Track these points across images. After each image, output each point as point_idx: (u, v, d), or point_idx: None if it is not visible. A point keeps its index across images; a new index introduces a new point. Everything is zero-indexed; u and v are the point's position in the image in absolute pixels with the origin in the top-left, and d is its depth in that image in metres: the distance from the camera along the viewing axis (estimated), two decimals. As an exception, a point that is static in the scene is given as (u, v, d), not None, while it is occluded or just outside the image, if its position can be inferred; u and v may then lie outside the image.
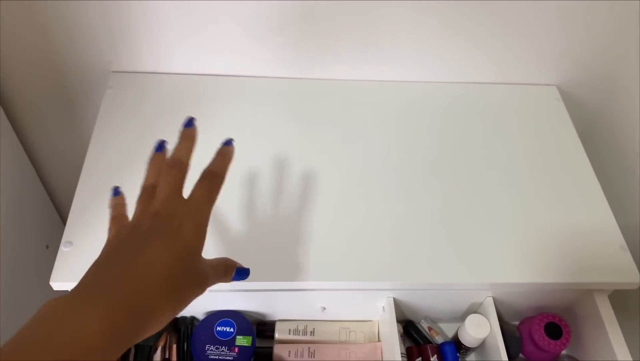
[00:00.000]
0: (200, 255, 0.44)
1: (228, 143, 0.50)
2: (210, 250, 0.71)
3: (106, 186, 0.77)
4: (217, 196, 0.46)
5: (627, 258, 0.77)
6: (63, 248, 0.72)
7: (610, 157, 0.98)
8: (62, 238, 0.73)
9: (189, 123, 0.50)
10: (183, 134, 0.49)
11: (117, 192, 0.54)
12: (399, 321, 0.83)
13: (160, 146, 0.50)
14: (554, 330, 0.79)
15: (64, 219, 1.12)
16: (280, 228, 0.76)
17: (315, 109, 0.92)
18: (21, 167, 1.00)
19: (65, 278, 0.70)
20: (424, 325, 0.82)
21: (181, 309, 0.42)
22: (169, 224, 0.43)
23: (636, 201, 0.90)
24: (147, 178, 0.49)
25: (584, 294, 0.79)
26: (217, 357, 0.74)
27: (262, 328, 0.81)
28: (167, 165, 0.47)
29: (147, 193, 0.47)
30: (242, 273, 0.49)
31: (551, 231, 0.79)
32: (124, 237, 0.43)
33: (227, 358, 0.74)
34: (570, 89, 1.00)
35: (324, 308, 0.79)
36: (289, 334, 0.81)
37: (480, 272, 0.74)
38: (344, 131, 0.89)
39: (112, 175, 0.79)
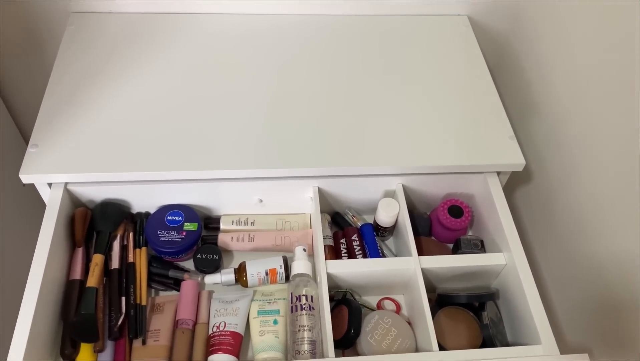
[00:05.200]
0: None
1: None
2: (168, 143, 0.85)
3: (68, 97, 0.91)
4: None
5: (515, 145, 0.91)
6: (30, 150, 0.84)
7: (513, 78, 1.12)
8: (29, 142, 0.85)
9: None
10: None
11: None
12: (327, 212, 0.97)
13: None
14: (457, 211, 0.93)
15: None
16: (224, 123, 0.89)
17: (262, 41, 1.05)
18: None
19: (31, 171, 0.82)
20: (349, 213, 0.96)
21: None
22: None
23: (530, 104, 1.04)
24: None
25: (480, 178, 0.92)
26: (167, 239, 0.87)
27: (209, 221, 0.94)
28: None
29: None
30: None
31: (451, 127, 0.93)
32: None
33: (176, 239, 0.87)
34: (480, 17, 1.14)
35: (261, 200, 0.92)
36: (232, 225, 0.94)
37: (389, 159, 0.88)
38: (278, 54, 1.02)
39: (72, 93, 0.92)
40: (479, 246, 0.91)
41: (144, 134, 0.88)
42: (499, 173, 0.92)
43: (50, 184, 0.85)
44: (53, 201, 0.84)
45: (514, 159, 0.90)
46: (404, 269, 0.84)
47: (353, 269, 0.83)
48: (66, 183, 0.85)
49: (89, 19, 1.05)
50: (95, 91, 0.92)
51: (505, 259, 0.85)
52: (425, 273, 0.83)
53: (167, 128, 0.89)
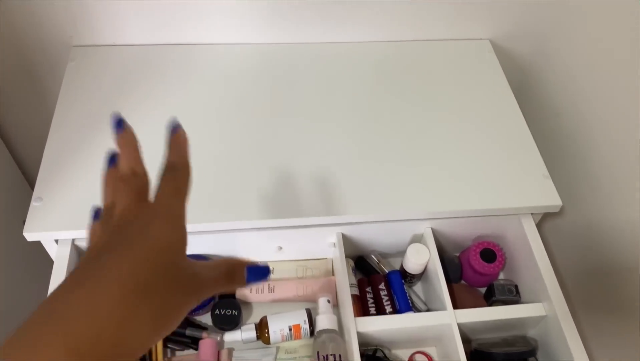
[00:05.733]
0: (184, 255, 0.37)
1: (175, 129, 0.44)
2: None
3: (72, 143, 0.85)
4: (188, 188, 0.41)
5: (550, 185, 0.86)
6: (34, 203, 0.79)
7: (540, 105, 1.07)
8: (33, 195, 0.79)
9: (119, 125, 0.42)
10: (119, 142, 0.42)
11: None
12: (350, 256, 0.91)
13: (112, 160, 0.43)
14: (489, 254, 0.88)
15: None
16: (239, 170, 0.84)
17: (275, 73, 0.99)
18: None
19: (36, 228, 0.76)
20: (374, 259, 0.90)
21: (169, 324, 0.33)
22: (129, 230, 0.35)
23: (561, 138, 0.98)
24: (105, 198, 0.41)
25: (514, 220, 0.87)
26: (183, 295, 0.81)
27: (226, 270, 0.88)
28: (120, 180, 0.40)
29: (107, 213, 0.39)
30: (258, 272, 0.39)
31: (482, 167, 0.87)
32: (81, 264, 0.35)
33: (193, 295, 0.81)
34: (503, 42, 1.08)
35: (280, 248, 0.87)
36: (250, 274, 0.88)
37: (417, 203, 0.83)
38: (296, 89, 0.96)
39: (76, 137, 0.86)
40: (514, 292, 0.86)
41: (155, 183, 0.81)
42: (532, 215, 0.87)
43: (57, 240, 0.79)
44: (60, 258, 0.78)
45: (550, 200, 0.85)
46: (439, 324, 0.78)
47: (385, 327, 0.78)
48: (74, 239, 0.79)
49: (91, 53, 0.99)
50: (101, 136, 0.86)
51: (545, 310, 0.80)
52: (461, 327, 0.78)
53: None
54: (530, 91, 1.10)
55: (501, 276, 0.93)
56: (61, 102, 0.91)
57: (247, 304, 0.88)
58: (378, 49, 1.04)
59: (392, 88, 0.98)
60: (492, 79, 1.01)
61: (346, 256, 0.89)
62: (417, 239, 0.89)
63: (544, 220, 0.95)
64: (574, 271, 0.96)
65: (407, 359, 0.84)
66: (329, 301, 0.82)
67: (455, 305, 0.83)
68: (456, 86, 0.99)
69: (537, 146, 0.91)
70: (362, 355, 0.81)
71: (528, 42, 1.08)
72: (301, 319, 0.82)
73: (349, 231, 0.85)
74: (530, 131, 0.93)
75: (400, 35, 1.05)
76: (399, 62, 1.02)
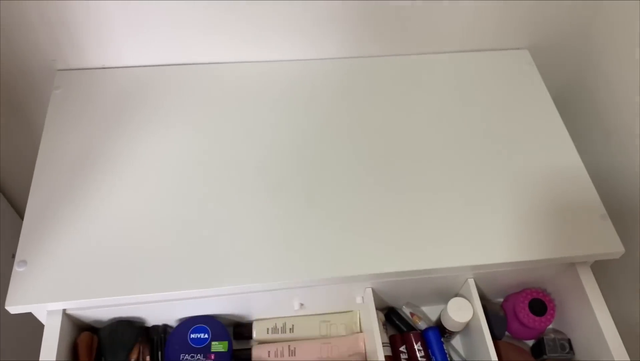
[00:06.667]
0: None
1: None
2: (184, 253, 0.68)
3: (58, 195, 0.73)
4: None
5: (608, 226, 0.75)
6: (17, 268, 0.68)
7: (587, 121, 0.95)
8: (15, 258, 0.68)
9: None
10: None
11: None
12: (380, 308, 0.81)
13: None
14: (539, 305, 0.77)
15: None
16: (252, 228, 0.72)
17: (275, 93, 0.87)
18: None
19: (21, 300, 0.66)
20: (406, 311, 0.80)
21: None
22: None
23: (616, 166, 0.87)
24: None
25: (567, 266, 0.76)
26: (193, 366, 0.71)
27: (240, 329, 0.78)
28: None
29: None
30: None
31: (530, 206, 0.76)
32: None
33: (204, 366, 0.71)
34: (542, 52, 0.96)
35: (302, 305, 0.76)
36: (268, 333, 0.78)
37: (458, 255, 0.72)
38: (310, 113, 0.84)
39: (63, 189, 0.74)
40: (567, 349, 0.76)
41: (155, 243, 0.70)
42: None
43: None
44: (51, 328, 0.67)
45: (610, 247, 0.73)
46: (488, 398, 0.68)
47: (426, 403, 0.68)
48: (65, 310, 0.68)
49: (78, 78, 0.86)
50: (92, 185, 0.75)
51: (608, 376, 0.70)
52: (511, 398, 0.68)
53: (183, 233, 0.71)
54: (571, 108, 0.98)
55: (551, 325, 0.82)
56: (46, 138, 0.79)
57: (266, 369, 0.77)
58: (411, 61, 0.92)
59: (418, 109, 0.86)
60: (535, 97, 0.89)
61: (376, 309, 0.79)
62: (457, 288, 0.78)
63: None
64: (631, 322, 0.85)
65: None
66: (358, 367, 0.72)
67: (503, 368, 0.73)
68: (496, 108, 0.87)
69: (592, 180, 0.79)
70: None
71: (571, 53, 0.95)
72: (328, 390, 0.72)
73: (379, 285, 0.74)
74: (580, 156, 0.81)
75: (424, 47, 0.92)
76: (421, 79, 0.90)
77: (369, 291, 0.74)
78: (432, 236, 0.73)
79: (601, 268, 0.83)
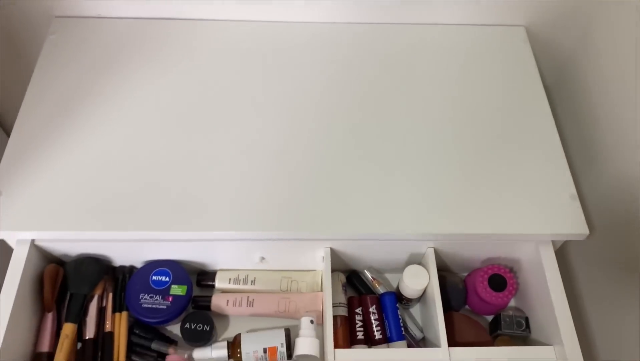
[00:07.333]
0: None
1: None
2: (155, 197, 0.71)
3: (41, 132, 0.77)
4: None
5: (576, 207, 0.74)
6: (-8, 198, 0.72)
7: (576, 110, 0.92)
8: (-8, 188, 0.72)
9: None
10: None
11: None
12: (342, 270, 0.82)
13: None
14: (499, 282, 0.77)
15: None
16: (220, 178, 0.74)
17: (277, 56, 0.88)
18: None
19: (-9, 227, 0.70)
20: (368, 275, 0.81)
21: None
22: None
23: (600, 150, 0.85)
24: None
25: (531, 244, 0.76)
26: (150, 305, 0.74)
27: (203, 277, 0.81)
28: None
29: None
30: None
31: (499, 177, 0.76)
32: None
33: (161, 306, 0.74)
34: (540, 30, 0.93)
35: (263, 258, 0.78)
36: (229, 283, 0.80)
37: (419, 222, 0.72)
38: (295, 81, 0.85)
39: (47, 127, 0.78)
40: (523, 326, 0.76)
41: (128, 183, 0.73)
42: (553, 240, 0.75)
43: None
44: (17, 257, 0.71)
45: (575, 228, 0.72)
46: (430, 363, 0.69)
47: (367, 359, 0.69)
48: (33, 240, 0.72)
49: (73, 25, 0.89)
50: (74, 126, 0.78)
51: (555, 355, 0.69)
52: (456, 367, 0.69)
53: (156, 176, 0.74)
54: (567, 90, 0.95)
55: (512, 302, 0.82)
56: (35, 80, 0.83)
57: (223, 317, 0.80)
58: (408, 31, 0.91)
59: (404, 80, 0.85)
60: (523, 73, 0.87)
61: (337, 270, 0.81)
62: (417, 258, 0.78)
63: (569, 243, 0.83)
64: (601, 308, 0.83)
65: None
66: (312, 322, 0.74)
67: (453, 338, 0.74)
68: (480, 79, 0.86)
69: (567, 158, 0.78)
70: (342, 386, 0.73)
71: (569, 32, 0.92)
72: (278, 341, 0.74)
73: (339, 246, 0.76)
74: (562, 139, 0.80)
75: (419, 17, 0.91)
76: (414, 49, 0.89)
77: (328, 250, 0.75)
78: (396, 202, 0.73)
79: (582, 252, 0.82)
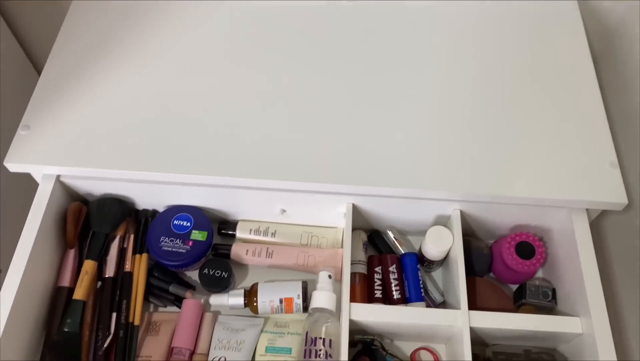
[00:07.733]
0: None
1: None
2: (180, 140, 0.71)
3: (72, 71, 0.77)
4: None
5: (616, 175, 0.70)
6: (20, 132, 0.72)
7: (623, 81, 0.87)
8: (20, 122, 0.73)
9: None
10: None
11: None
12: (365, 229, 0.80)
13: None
14: (527, 249, 0.74)
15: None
16: (246, 126, 0.73)
17: (295, 27, 0.85)
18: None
19: (19, 159, 0.70)
20: (390, 235, 0.79)
21: None
22: None
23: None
24: None
25: (563, 212, 0.72)
26: (170, 248, 0.74)
27: (224, 226, 0.80)
28: None
29: None
30: None
31: (536, 140, 0.72)
32: None
33: (180, 250, 0.74)
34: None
35: (284, 211, 0.77)
36: (250, 233, 0.79)
37: (445, 180, 0.69)
38: (324, 48, 0.83)
39: (78, 66, 0.78)
40: (549, 297, 0.73)
41: (155, 127, 0.73)
42: (587, 209, 0.71)
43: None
44: (42, 192, 0.72)
45: (613, 197, 0.69)
46: (448, 325, 0.67)
47: (383, 318, 0.67)
48: (59, 175, 0.73)
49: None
50: (104, 67, 0.78)
51: (582, 328, 0.66)
52: (476, 331, 0.66)
53: (182, 123, 0.73)
54: (614, 58, 0.90)
55: (539, 273, 0.79)
56: (67, 22, 0.83)
57: (242, 266, 0.79)
58: (458, 5, 0.87)
59: (449, 50, 0.82)
60: (571, 39, 0.83)
61: (359, 229, 0.79)
62: (443, 220, 0.76)
63: (605, 216, 0.79)
64: (633, 283, 0.79)
65: (409, 354, 0.74)
66: (330, 277, 0.72)
67: (475, 304, 0.71)
68: (527, 44, 0.82)
69: (610, 127, 0.74)
70: (357, 342, 0.72)
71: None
72: (294, 293, 0.73)
73: (362, 203, 0.74)
74: (606, 108, 0.75)
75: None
76: (464, 23, 0.85)
77: (350, 205, 0.73)
78: (423, 159, 0.71)
79: (617, 225, 0.78)
